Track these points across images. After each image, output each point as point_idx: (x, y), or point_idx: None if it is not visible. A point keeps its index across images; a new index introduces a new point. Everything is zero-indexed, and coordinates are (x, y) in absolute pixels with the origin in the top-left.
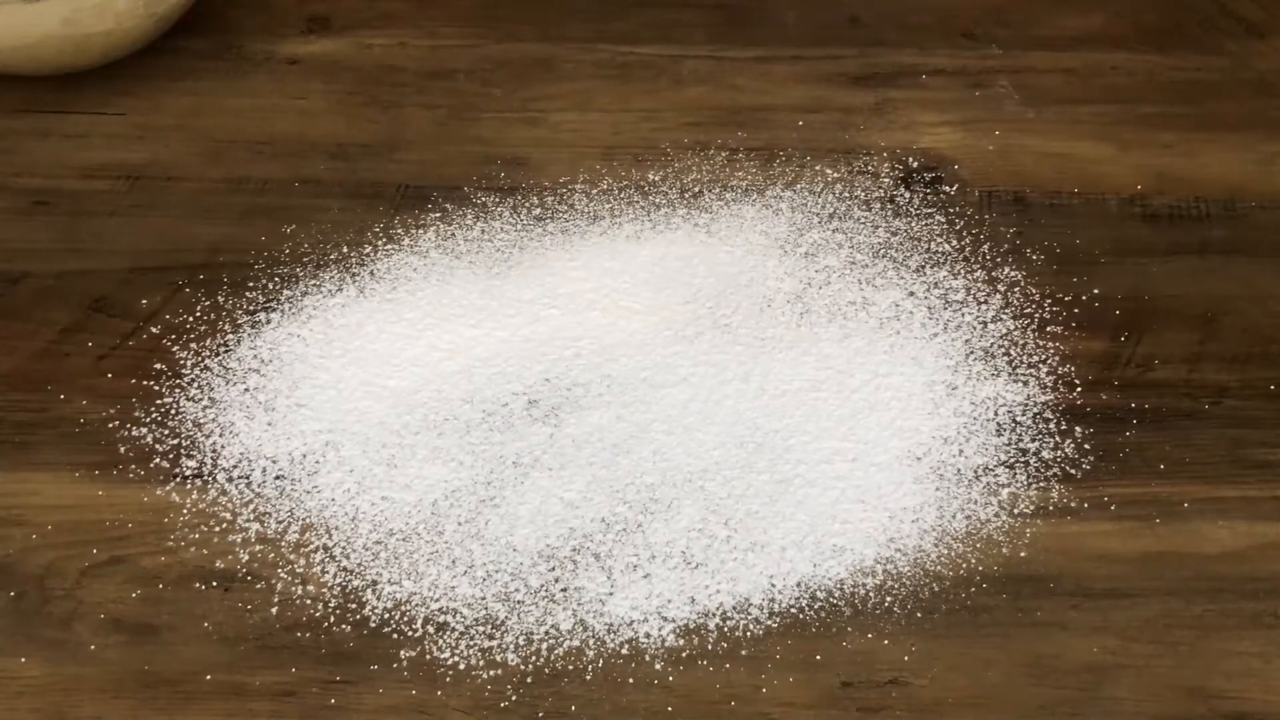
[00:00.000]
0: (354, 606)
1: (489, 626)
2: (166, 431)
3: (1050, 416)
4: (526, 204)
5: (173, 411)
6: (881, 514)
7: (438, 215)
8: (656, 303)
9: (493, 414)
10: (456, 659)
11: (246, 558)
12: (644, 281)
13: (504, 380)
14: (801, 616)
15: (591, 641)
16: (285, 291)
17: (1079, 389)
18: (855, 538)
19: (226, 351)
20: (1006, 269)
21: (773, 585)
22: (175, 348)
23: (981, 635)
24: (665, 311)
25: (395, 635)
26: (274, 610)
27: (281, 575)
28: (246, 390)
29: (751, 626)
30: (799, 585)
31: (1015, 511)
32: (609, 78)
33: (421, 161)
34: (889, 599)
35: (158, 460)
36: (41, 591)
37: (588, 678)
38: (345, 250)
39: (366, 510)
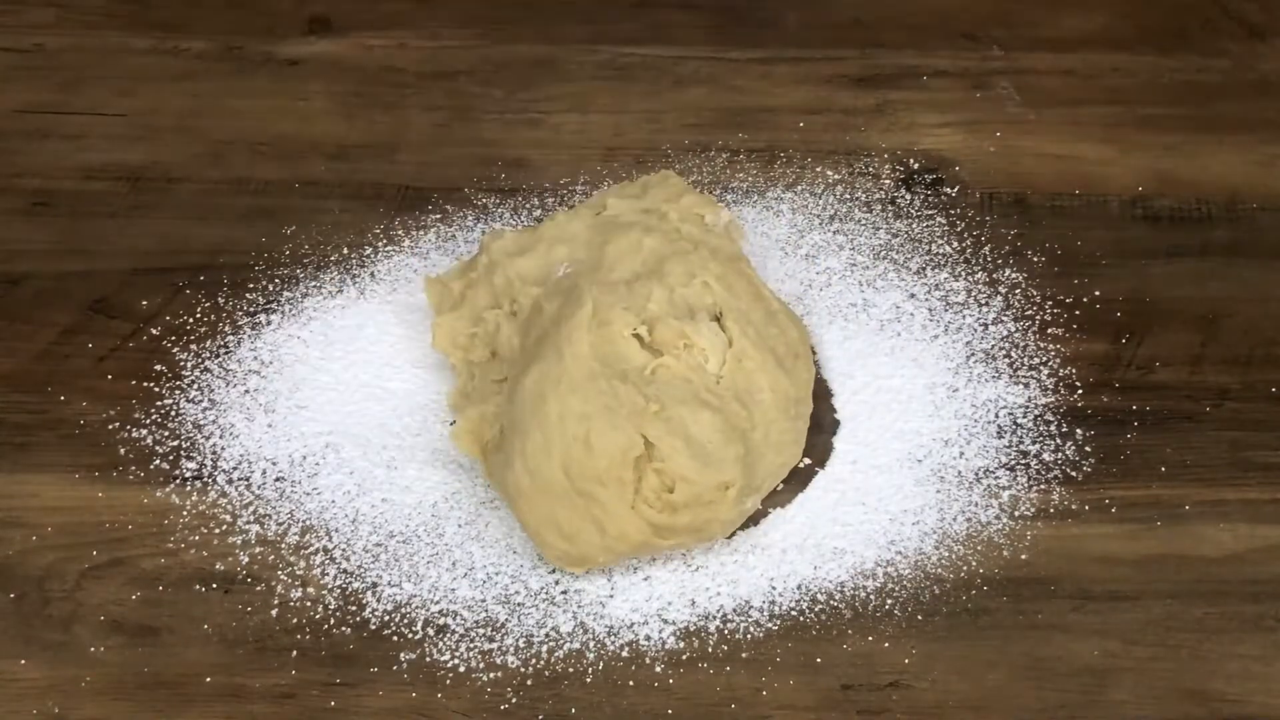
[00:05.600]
0: (354, 609)
1: (489, 629)
2: (166, 433)
3: (1051, 419)
4: (527, 205)
5: (173, 413)
6: (882, 516)
7: (438, 217)
8: None
9: None
10: (457, 661)
11: (246, 560)
12: None
13: None
14: (802, 619)
15: (592, 644)
16: (285, 293)
17: (1080, 391)
18: (856, 540)
19: (227, 353)
20: (1007, 271)
21: (773, 588)
22: (175, 349)
23: (982, 638)
24: None
25: (395, 637)
26: (274, 612)
27: (281, 577)
28: (247, 392)
29: (752, 629)
30: (799, 588)
31: (1016, 514)
32: (610, 79)
33: (422, 163)
34: (889, 601)
35: (158, 462)
36: (41, 593)
37: (588, 680)
38: (346, 252)
39: (366, 512)
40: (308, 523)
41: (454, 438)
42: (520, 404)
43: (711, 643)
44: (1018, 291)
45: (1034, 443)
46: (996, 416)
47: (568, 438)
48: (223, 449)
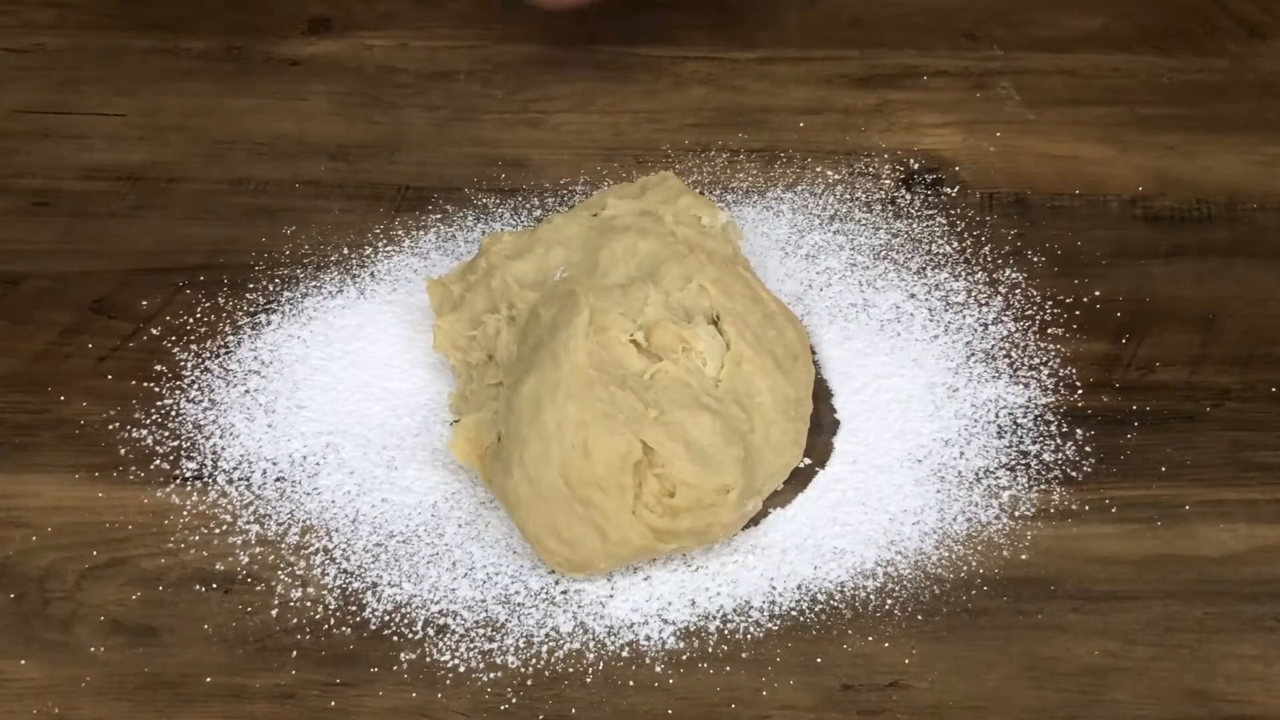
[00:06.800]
0: (354, 609)
1: (489, 629)
2: (167, 433)
3: (1051, 419)
4: (527, 205)
5: (173, 413)
6: (882, 516)
7: (438, 217)
8: None
9: None
10: (457, 661)
11: (246, 560)
12: None
13: None
14: (802, 619)
15: (592, 644)
16: (286, 293)
17: (1080, 391)
18: (856, 540)
19: (227, 353)
20: (1007, 271)
21: (773, 588)
22: (175, 349)
23: (982, 638)
24: None
25: (395, 638)
26: (274, 612)
27: (281, 577)
28: (247, 392)
29: (752, 629)
30: (799, 588)
31: (1016, 514)
32: (609, 78)
33: (422, 163)
34: (890, 601)
35: (158, 462)
36: (41, 593)
37: (588, 680)
38: (346, 252)
39: (367, 512)
40: (308, 523)
41: (451, 447)
42: (518, 412)
43: (711, 643)
44: (1018, 291)
45: (1034, 443)
46: (996, 416)
47: (566, 445)
48: (223, 449)
